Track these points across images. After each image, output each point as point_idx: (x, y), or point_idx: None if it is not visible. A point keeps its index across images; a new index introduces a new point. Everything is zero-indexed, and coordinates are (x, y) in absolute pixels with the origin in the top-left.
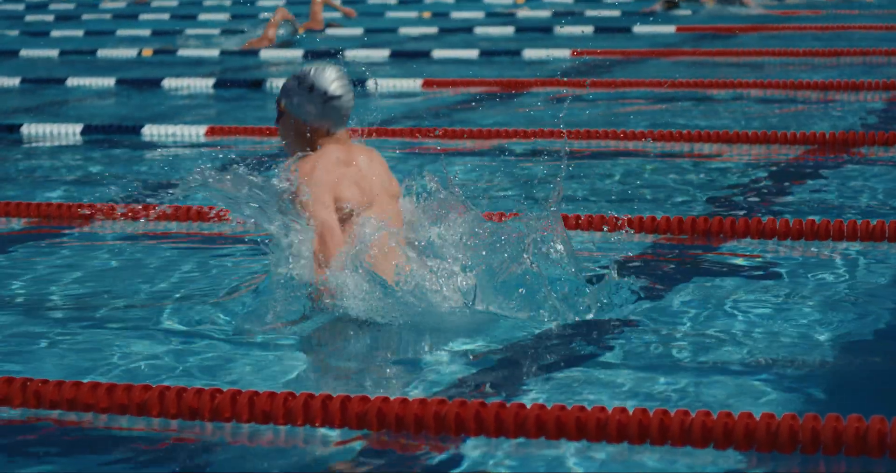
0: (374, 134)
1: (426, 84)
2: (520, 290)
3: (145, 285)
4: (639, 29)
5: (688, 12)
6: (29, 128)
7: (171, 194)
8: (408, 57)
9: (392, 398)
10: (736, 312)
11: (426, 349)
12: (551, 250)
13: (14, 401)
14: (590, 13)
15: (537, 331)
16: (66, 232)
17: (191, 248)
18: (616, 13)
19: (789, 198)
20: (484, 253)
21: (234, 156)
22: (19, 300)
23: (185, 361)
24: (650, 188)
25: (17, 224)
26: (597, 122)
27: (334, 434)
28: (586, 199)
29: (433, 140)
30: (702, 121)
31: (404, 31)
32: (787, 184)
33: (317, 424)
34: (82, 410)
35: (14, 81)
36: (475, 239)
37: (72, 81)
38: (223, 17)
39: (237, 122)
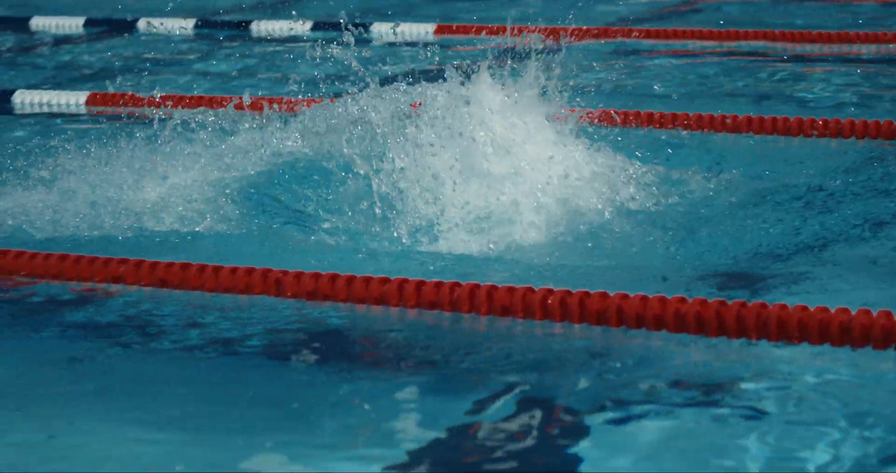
0: None
1: None
2: None
3: None
4: None
5: None
6: (259, 26)
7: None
8: None
9: (631, 295)
10: None
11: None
12: None
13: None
14: None
15: None
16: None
17: None
18: None
19: None
20: None
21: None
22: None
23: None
24: None
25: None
26: None
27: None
28: None
29: None
30: None
31: None
32: None
33: (555, 319)
34: (320, 300)
35: None
36: None
37: None
38: None
39: (468, 20)
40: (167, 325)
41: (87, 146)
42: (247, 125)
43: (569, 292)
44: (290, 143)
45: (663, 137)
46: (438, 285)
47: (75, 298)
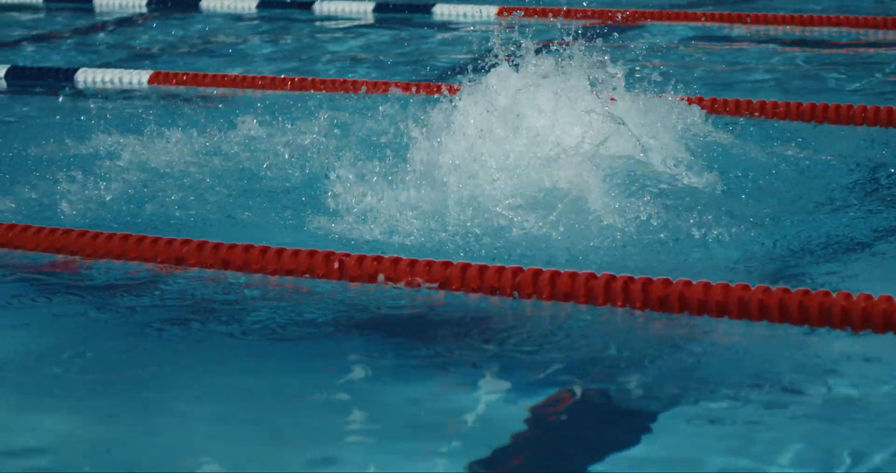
0: None
1: None
2: None
3: None
4: None
5: None
6: (321, 6)
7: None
8: None
9: (694, 282)
10: None
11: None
12: None
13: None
14: None
15: None
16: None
17: None
18: None
19: None
20: None
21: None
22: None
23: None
24: None
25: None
26: None
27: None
28: None
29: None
30: None
31: None
32: None
33: (617, 305)
34: (381, 283)
35: None
36: None
37: None
38: None
39: (527, 4)
40: (227, 307)
41: (149, 124)
42: (308, 105)
43: (631, 278)
44: (351, 126)
45: (729, 124)
46: (500, 270)
47: (139, 278)
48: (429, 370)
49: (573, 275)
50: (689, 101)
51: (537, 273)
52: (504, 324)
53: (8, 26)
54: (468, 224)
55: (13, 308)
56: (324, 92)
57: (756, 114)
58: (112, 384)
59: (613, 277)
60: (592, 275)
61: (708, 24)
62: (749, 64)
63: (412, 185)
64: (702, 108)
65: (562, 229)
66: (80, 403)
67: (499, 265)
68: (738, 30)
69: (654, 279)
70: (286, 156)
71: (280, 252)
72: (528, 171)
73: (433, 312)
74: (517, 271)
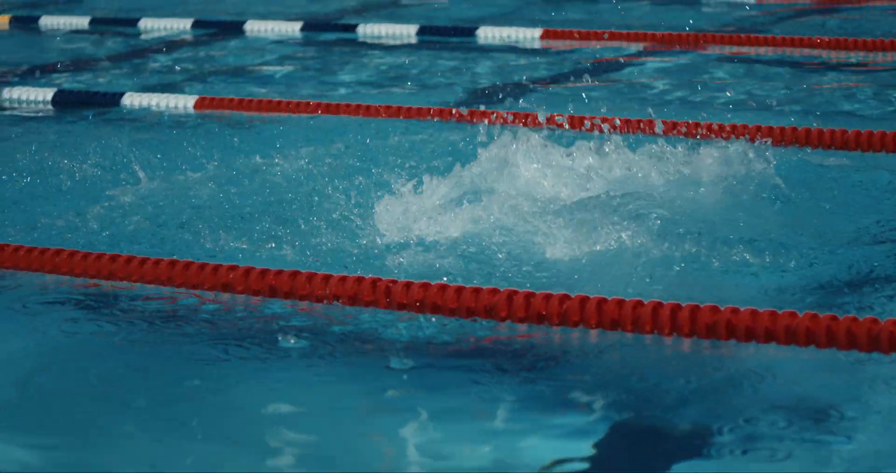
0: None
1: None
2: None
3: None
4: None
5: None
6: (365, 29)
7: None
8: None
9: (742, 309)
10: None
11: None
12: None
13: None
14: None
15: None
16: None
17: None
18: None
19: None
20: None
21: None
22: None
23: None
24: None
25: (373, 124)
26: None
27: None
28: None
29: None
30: None
31: None
32: None
33: (665, 333)
34: (428, 311)
35: None
36: None
37: None
38: None
39: (571, 26)
40: (271, 333)
41: (195, 149)
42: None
43: (678, 305)
44: (397, 151)
45: (765, 151)
46: (547, 297)
47: (186, 304)
48: (473, 400)
49: (620, 302)
50: (733, 129)
51: (584, 300)
52: (553, 352)
53: (54, 50)
54: (508, 251)
55: (62, 333)
56: (368, 117)
57: (799, 143)
58: (161, 413)
59: (660, 304)
60: (640, 302)
61: (730, 47)
62: (782, 87)
63: (453, 212)
64: (745, 137)
65: (601, 257)
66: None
67: (546, 292)
68: (764, 51)
69: (702, 306)
70: (331, 182)
71: (327, 278)
72: (567, 201)
73: (482, 339)
74: (563, 298)
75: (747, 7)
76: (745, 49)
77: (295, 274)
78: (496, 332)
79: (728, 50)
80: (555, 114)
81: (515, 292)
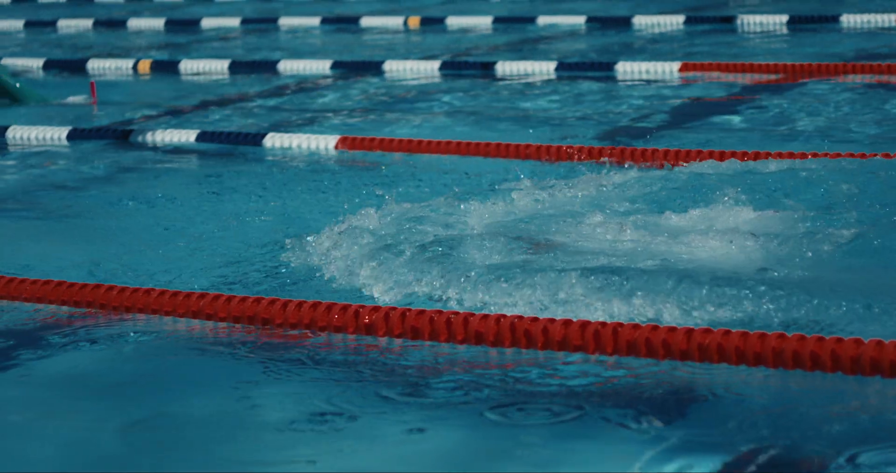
0: None
1: None
2: None
3: None
4: None
5: None
6: (503, 66)
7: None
8: None
9: (866, 341)
10: None
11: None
12: None
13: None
14: None
15: None
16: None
17: None
18: None
19: None
20: None
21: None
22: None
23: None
24: None
25: (503, 163)
26: None
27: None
28: None
29: None
30: None
31: None
32: None
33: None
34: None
35: (486, 20)
36: None
37: (543, 20)
38: None
39: (710, 58)
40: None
41: (337, 188)
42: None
43: (784, 335)
44: (533, 192)
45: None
46: (676, 331)
47: (318, 346)
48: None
49: (751, 335)
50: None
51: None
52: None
53: (197, 92)
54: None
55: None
56: (508, 158)
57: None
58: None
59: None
60: (763, 334)
61: (871, 76)
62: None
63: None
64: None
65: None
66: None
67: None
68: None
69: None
70: (474, 221)
71: (466, 317)
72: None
73: (572, 375)
74: (701, 332)
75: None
76: (891, 78)
77: (437, 313)
78: (608, 368)
79: (870, 79)
80: (703, 150)
81: (604, 324)
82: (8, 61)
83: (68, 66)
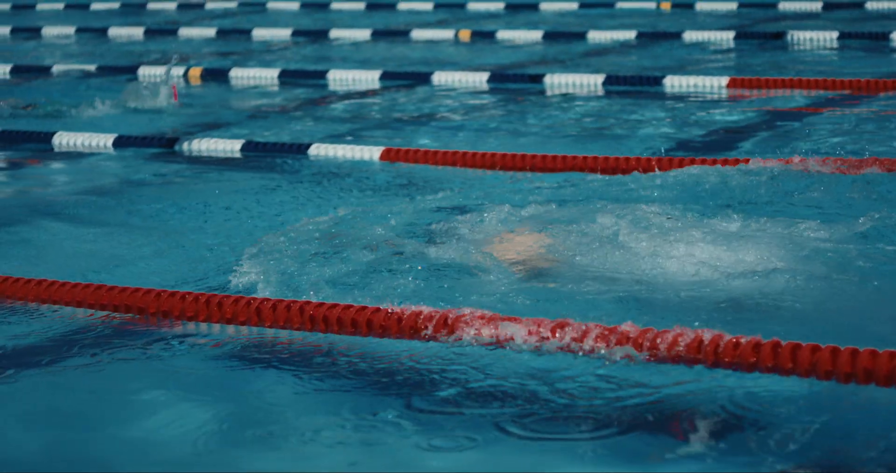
0: None
1: None
2: None
3: None
4: None
5: None
6: (552, 79)
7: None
8: None
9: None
10: None
11: None
12: None
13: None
14: None
15: None
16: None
17: None
18: None
19: None
20: None
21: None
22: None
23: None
24: None
25: (547, 178)
26: None
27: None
28: None
29: None
30: None
31: None
32: None
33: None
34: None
35: (537, 35)
36: None
37: (592, 35)
38: None
39: (757, 74)
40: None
41: (381, 200)
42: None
43: (856, 350)
44: (581, 204)
45: None
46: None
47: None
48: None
49: (850, 351)
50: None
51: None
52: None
53: (244, 101)
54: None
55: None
56: (553, 171)
57: None
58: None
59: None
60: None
61: None
62: None
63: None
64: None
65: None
66: None
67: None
68: None
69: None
70: (511, 235)
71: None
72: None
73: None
74: (776, 346)
75: None
76: None
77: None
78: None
79: None
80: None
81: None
82: (61, 66)
83: (120, 71)
